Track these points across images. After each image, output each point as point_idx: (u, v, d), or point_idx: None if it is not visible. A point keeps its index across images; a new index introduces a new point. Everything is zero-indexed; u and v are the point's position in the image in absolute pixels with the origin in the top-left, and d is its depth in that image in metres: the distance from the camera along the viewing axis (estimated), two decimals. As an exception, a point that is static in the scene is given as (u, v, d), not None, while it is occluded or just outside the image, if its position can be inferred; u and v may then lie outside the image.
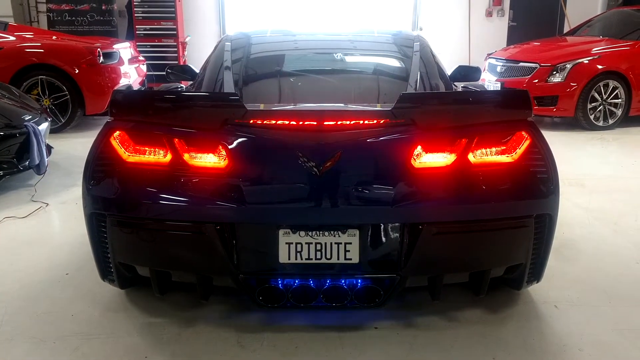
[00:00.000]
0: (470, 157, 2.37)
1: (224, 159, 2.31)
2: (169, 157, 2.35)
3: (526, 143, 2.43)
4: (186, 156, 2.33)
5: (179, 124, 2.36)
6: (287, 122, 2.30)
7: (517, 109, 2.49)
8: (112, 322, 2.79)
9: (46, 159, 5.01)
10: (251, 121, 2.32)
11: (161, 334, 2.69)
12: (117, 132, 2.41)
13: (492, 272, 2.55)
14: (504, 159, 2.42)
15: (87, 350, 2.55)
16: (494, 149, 2.40)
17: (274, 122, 2.31)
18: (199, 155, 2.34)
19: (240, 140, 2.31)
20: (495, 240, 2.45)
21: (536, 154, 2.44)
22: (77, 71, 7.10)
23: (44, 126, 5.14)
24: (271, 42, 3.74)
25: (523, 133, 2.44)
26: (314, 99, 3.01)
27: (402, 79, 3.19)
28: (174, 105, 2.40)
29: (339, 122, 2.29)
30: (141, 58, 8.91)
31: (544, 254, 2.57)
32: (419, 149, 2.33)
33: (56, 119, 7.13)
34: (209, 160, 2.33)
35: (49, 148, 5.37)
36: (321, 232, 2.36)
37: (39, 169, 4.94)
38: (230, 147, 2.30)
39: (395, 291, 2.45)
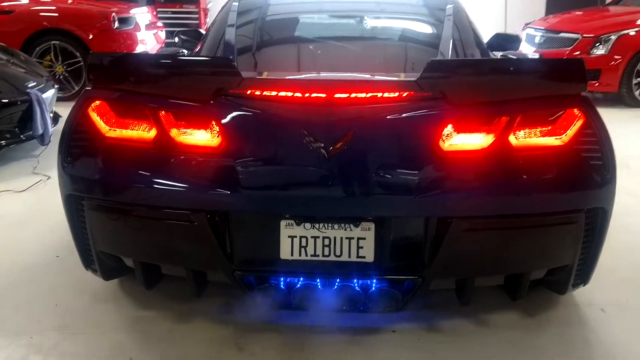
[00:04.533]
0: (512, 138, 1.97)
1: (217, 137, 1.95)
2: (153, 132, 2.00)
3: (579, 123, 2.02)
4: (173, 132, 1.99)
5: (166, 94, 2.01)
6: (290, 94, 1.93)
7: (568, 81, 2.07)
8: (100, 314, 2.50)
9: (51, 129, 4.72)
10: (248, 92, 1.95)
11: (152, 331, 2.39)
12: (96, 102, 2.07)
13: (532, 274, 2.17)
14: (552, 141, 2.01)
15: (66, 347, 2.27)
16: (539, 130, 2.00)
17: (274, 93, 1.94)
18: (188, 131, 1.99)
19: (235, 114, 1.95)
20: (538, 238, 2.06)
21: (590, 136, 2.03)
22: (90, 37, 6.81)
23: (49, 94, 4.86)
24: (284, 4, 3.33)
25: (575, 111, 2.03)
26: (329, 68, 2.61)
27: (431, 46, 2.77)
28: (160, 72, 2.04)
29: (352, 95, 1.90)
30: (160, 24, 8.57)
31: (594, 255, 2.18)
32: (449, 128, 1.94)
33: (70, 86, 6.86)
34: (199, 137, 1.98)
35: (56, 117, 5.08)
36: (330, 225, 2.00)
37: (43, 139, 4.67)
38: (223, 122, 1.94)
39: (417, 295, 2.09)
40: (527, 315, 2.48)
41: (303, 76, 2.12)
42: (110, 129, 2.05)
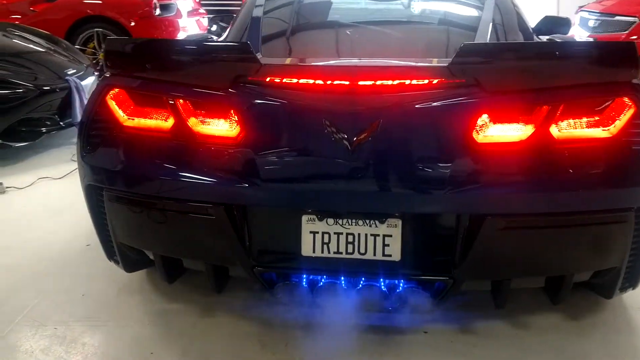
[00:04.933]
0: (553, 130, 1.80)
1: (235, 126, 1.86)
2: (170, 122, 1.92)
3: (629, 112, 1.83)
4: (190, 121, 1.90)
5: (182, 82, 1.92)
6: (311, 82, 1.81)
7: (618, 67, 1.88)
8: (125, 306, 2.47)
9: (89, 116, 4.73)
10: (267, 79, 1.84)
11: (175, 324, 2.34)
12: (115, 90, 2.00)
13: (575, 277, 2.00)
14: (599, 133, 1.84)
15: (89, 339, 2.24)
16: (585, 120, 1.82)
17: (294, 81, 1.82)
18: (205, 120, 1.90)
19: (253, 103, 1.85)
20: (582, 239, 1.89)
21: (642, 127, 1.84)
22: (132, 24, 6.83)
23: (88, 81, 4.88)
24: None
25: (625, 99, 1.84)
26: (360, 53, 2.46)
27: (470, 30, 2.59)
28: (176, 59, 1.95)
29: (377, 83, 1.77)
30: (202, 11, 8.55)
31: (644, 257, 1.98)
32: (483, 118, 1.79)
33: (112, 73, 6.90)
34: (217, 127, 1.89)
35: (95, 104, 5.09)
36: (354, 221, 1.89)
37: (82, 126, 4.68)
38: (241, 111, 1.84)
39: (447, 297, 1.95)
40: (570, 318, 2.32)
41: (325, 62, 1.99)
42: (128, 118, 1.98)
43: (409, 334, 2.25)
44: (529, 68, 1.82)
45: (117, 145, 1.99)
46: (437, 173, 1.79)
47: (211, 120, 1.89)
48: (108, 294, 2.55)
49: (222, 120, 1.88)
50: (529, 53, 1.84)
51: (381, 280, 1.97)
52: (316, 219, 1.89)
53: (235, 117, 1.85)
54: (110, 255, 2.28)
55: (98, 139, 2.03)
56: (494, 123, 1.80)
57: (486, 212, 1.80)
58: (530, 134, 1.79)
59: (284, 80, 1.82)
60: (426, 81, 1.78)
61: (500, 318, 2.34)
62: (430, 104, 1.79)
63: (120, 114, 1.99)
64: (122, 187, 1.99)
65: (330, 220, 1.89)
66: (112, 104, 2.00)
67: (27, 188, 3.88)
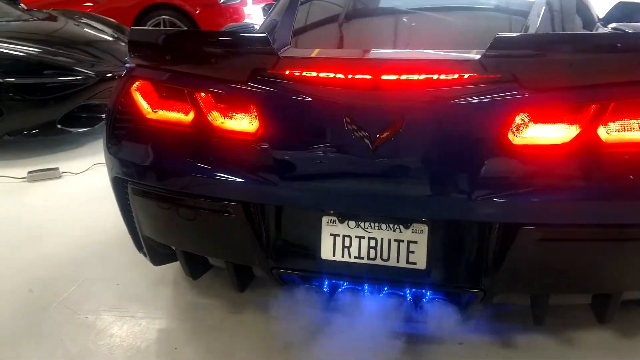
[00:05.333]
0: (601, 132, 1.60)
1: (254, 122, 1.77)
2: (191, 116, 1.86)
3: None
4: (210, 115, 1.83)
5: (203, 74, 1.85)
6: (330, 76, 1.69)
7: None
8: (156, 298, 2.47)
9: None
10: (286, 73, 1.73)
11: (202, 320, 2.31)
12: (139, 82, 1.96)
13: (624, 294, 1.79)
14: (655, 136, 1.62)
15: (115, 330, 2.25)
16: (638, 122, 1.61)
17: (314, 74, 1.71)
18: (225, 115, 1.82)
19: (272, 98, 1.75)
20: (631, 254, 1.68)
21: None
22: (197, 11, 6.89)
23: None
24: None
25: None
26: (398, 44, 2.30)
27: (521, 15, 2.36)
28: (197, 50, 1.88)
29: (402, 77, 1.62)
30: (268, -3, 8.52)
31: None
32: (521, 117, 1.62)
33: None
34: (236, 122, 1.81)
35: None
36: (377, 224, 1.77)
37: (141, 113, 4.76)
38: (260, 106, 1.75)
39: (477, 310, 1.80)
40: (622, 336, 2.12)
41: (345, 55, 1.85)
42: (151, 111, 1.94)
43: (442, 344, 2.11)
44: (575, 62, 1.62)
45: (140, 138, 1.96)
46: (466, 177, 1.64)
47: (230, 115, 1.81)
48: (141, 285, 2.56)
49: (241, 115, 1.80)
50: (574, 44, 1.63)
51: (406, 289, 1.84)
52: (337, 220, 1.78)
53: (254, 112, 1.77)
54: (138, 247, 2.27)
55: (122, 130, 2.01)
56: (532, 123, 1.62)
57: (521, 221, 1.63)
58: (574, 136, 1.60)
59: (303, 74, 1.71)
60: (455, 76, 1.62)
61: (543, 331, 2.16)
62: (459, 102, 1.63)
63: (144, 106, 1.95)
64: (144, 181, 1.96)
65: (352, 223, 1.78)
66: (137, 96, 1.96)
67: (82, 174, 3.97)
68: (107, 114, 2.04)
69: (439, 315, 1.87)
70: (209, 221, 1.89)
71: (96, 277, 2.64)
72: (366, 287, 1.89)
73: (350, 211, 1.76)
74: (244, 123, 1.79)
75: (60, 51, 4.46)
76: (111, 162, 2.05)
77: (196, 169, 1.84)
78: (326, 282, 1.92)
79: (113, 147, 2.03)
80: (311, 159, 1.72)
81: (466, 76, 1.62)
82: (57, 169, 3.93)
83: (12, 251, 2.88)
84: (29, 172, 3.88)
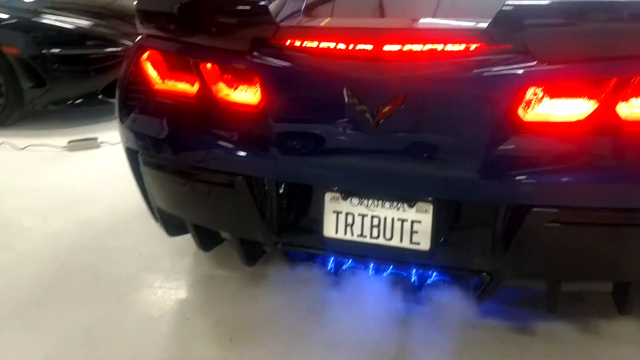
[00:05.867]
0: (621, 108, 1.47)
1: (256, 94, 1.73)
2: (196, 87, 1.83)
3: None
4: (214, 87, 1.79)
5: (207, 44, 1.81)
6: (331, 46, 1.61)
7: None
8: (174, 269, 2.50)
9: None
10: (286, 43, 1.67)
11: (217, 291, 2.32)
12: (148, 53, 1.94)
13: (644, 284, 1.67)
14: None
15: (133, 299, 2.29)
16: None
17: (315, 44, 1.63)
18: (228, 86, 1.78)
19: (273, 68, 1.69)
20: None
21: None
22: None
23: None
24: None
25: None
26: (394, 14, 2.13)
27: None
28: (201, 19, 1.83)
29: (404, 48, 1.53)
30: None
31: None
32: (532, 92, 1.50)
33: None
34: (239, 93, 1.77)
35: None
36: (380, 203, 1.70)
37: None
38: (263, 78, 1.70)
39: (485, 295, 1.72)
40: (651, 329, 1.99)
41: (346, 23, 1.75)
42: (159, 81, 1.92)
43: (456, 327, 2.02)
44: (593, 32, 1.48)
45: (149, 109, 1.95)
46: (472, 155, 1.54)
47: (233, 86, 1.77)
48: (162, 256, 2.59)
49: (243, 87, 1.76)
50: (592, 12, 1.49)
51: (410, 270, 1.77)
52: (340, 197, 1.73)
53: (257, 84, 1.72)
54: (154, 218, 2.28)
55: (133, 101, 2.00)
56: (544, 99, 1.50)
57: (529, 203, 1.53)
58: (590, 112, 1.48)
59: (304, 44, 1.65)
60: (462, 47, 1.51)
61: (567, 320, 2.06)
62: (465, 75, 1.52)
63: (153, 76, 1.94)
64: (153, 152, 1.95)
65: (355, 200, 1.72)
66: (147, 66, 1.95)
67: (119, 144, 4.04)
68: (118, 85, 2.04)
69: (446, 298, 1.80)
70: (213, 194, 1.88)
71: (120, 246, 2.69)
72: (371, 267, 1.83)
73: (352, 188, 1.70)
74: (246, 95, 1.75)
75: (107, 23, 4.52)
76: (123, 132, 2.06)
77: (200, 142, 1.82)
78: (331, 260, 1.88)
79: (124, 117, 2.03)
80: (312, 133, 1.67)
81: (473, 47, 1.51)
82: (95, 139, 4.02)
83: (45, 217, 2.97)
84: (69, 142, 3.98)
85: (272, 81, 1.69)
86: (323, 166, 1.68)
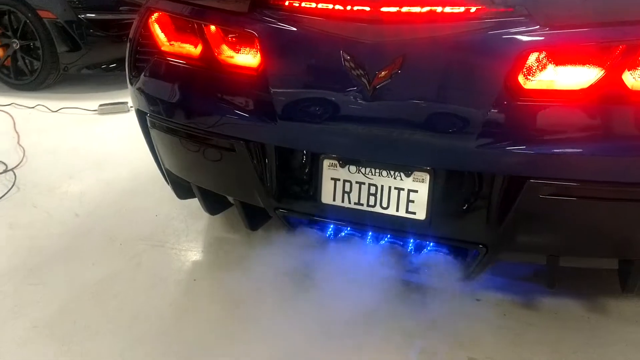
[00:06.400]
0: (627, 77, 1.40)
1: (257, 56, 1.71)
2: (199, 49, 1.83)
3: None
4: (218, 49, 1.79)
5: (210, 6, 1.79)
6: (328, 7, 1.58)
7: None
8: (187, 231, 2.55)
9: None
10: (285, 3, 1.64)
11: (227, 254, 2.36)
12: (156, 14, 1.95)
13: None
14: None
15: (144, 259, 2.34)
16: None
17: (312, 4, 1.60)
18: (230, 49, 1.77)
19: (272, 30, 1.67)
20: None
21: None
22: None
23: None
24: None
25: None
26: None
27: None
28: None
29: (402, 9, 1.49)
30: None
31: None
32: (533, 58, 1.44)
33: None
34: (240, 56, 1.76)
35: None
36: (377, 171, 1.68)
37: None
38: (262, 39, 1.68)
39: (481, 268, 1.69)
40: (663, 310, 1.92)
41: None
42: (166, 43, 1.93)
43: (457, 298, 2.00)
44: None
45: (156, 71, 1.96)
46: (470, 123, 1.50)
47: (234, 48, 1.76)
48: (177, 218, 2.64)
49: (244, 49, 1.74)
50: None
51: (406, 239, 1.75)
52: (338, 165, 1.71)
53: (256, 46, 1.70)
54: (166, 181, 2.32)
55: (141, 63, 2.02)
56: (546, 65, 1.44)
57: (527, 174, 1.48)
58: (593, 82, 1.41)
59: (302, 4, 1.61)
60: (461, 9, 1.45)
61: (574, 297, 2.02)
62: (464, 39, 1.47)
63: (160, 38, 1.94)
64: (159, 114, 1.97)
65: (352, 168, 1.70)
66: (155, 28, 1.95)
67: (148, 109, 4.10)
68: (128, 47, 2.06)
69: (448, 269, 1.78)
70: (214, 157, 1.89)
71: (138, 207, 2.75)
72: (369, 235, 1.81)
73: (350, 155, 1.68)
74: (247, 58, 1.74)
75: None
76: (132, 94, 2.08)
77: (203, 105, 1.83)
78: (330, 227, 1.87)
79: (133, 79, 2.05)
80: (310, 98, 1.65)
81: (473, 9, 1.45)
82: (125, 103, 4.09)
83: (71, 177, 3.06)
84: (100, 105, 4.07)
85: (271, 43, 1.67)
86: (320, 132, 1.66)
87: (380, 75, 1.52)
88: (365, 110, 1.57)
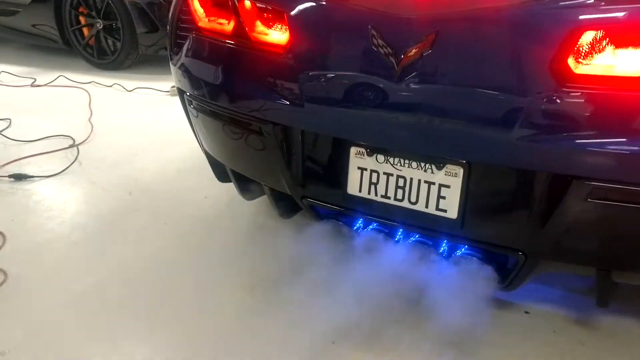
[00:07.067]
0: None
1: (285, 34, 1.60)
2: (231, 25, 1.74)
3: None
4: (249, 25, 1.69)
5: (243, -19, 1.69)
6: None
7: None
8: (232, 214, 2.51)
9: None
10: (313, -24, 1.51)
11: (264, 241, 2.25)
12: (196, -11, 1.88)
13: None
14: None
15: (186, 239, 2.31)
16: None
17: (339, -22, 1.46)
18: (261, 24, 1.67)
19: (302, 6, 1.54)
20: None
21: None
22: None
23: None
24: None
25: None
26: None
27: None
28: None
29: (433, -18, 1.31)
30: None
31: None
32: (587, 37, 1.22)
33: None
34: (270, 34, 1.65)
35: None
36: (407, 162, 1.52)
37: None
38: (291, 16, 1.56)
39: (519, 279, 1.49)
40: None
41: None
42: (203, 19, 1.86)
43: (506, 309, 1.83)
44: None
45: (192, 48, 1.90)
46: (510, 112, 1.30)
47: (265, 24, 1.66)
48: (225, 201, 2.60)
49: (275, 26, 1.63)
50: None
51: (436, 239, 1.58)
52: (365, 153, 1.57)
53: (285, 22, 1.59)
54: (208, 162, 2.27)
55: (179, 39, 1.96)
56: (602, 46, 1.22)
57: (576, 173, 1.27)
58: (660, 67, 1.17)
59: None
60: (503, -19, 1.26)
61: (636, 313, 1.76)
62: (507, 13, 1.27)
63: (198, 14, 1.87)
64: (194, 92, 1.91)
65: (381, 158, 1.55)
66: (194, 3, 1.88)
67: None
68: (169, 23, 2.01)
69: (490, 275, 1.59)
70: (243, 140, 1.80)
71: (190, 188, 2.73)
72: (399, 232, 1.66)
73: (378, 143, 1.53)
74: (277, 35, 1.62)
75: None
76: (173, 72, 2.04)
77: (230, 84, 1.75)
78: (360, 221, 1.73)
79: (173, 56, 2.00)
80: (337, 79, 1.51)
81: (517, -19, 1.25)
82: (173, 87, 4.12)
83: (133, 156, 3.10)
84: (172, 87, 4.11)
85: (299, 19, 1.55)
86: (345, 116, 1.52)
87: (409, 55, 1.36)
88: (393, 93, 1.41)
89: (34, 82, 4.42)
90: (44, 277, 2.01)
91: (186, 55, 1.91)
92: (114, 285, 1.98)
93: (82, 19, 4.78)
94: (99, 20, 4.63)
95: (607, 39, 1.21)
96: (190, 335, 1.73)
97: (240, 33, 1.71)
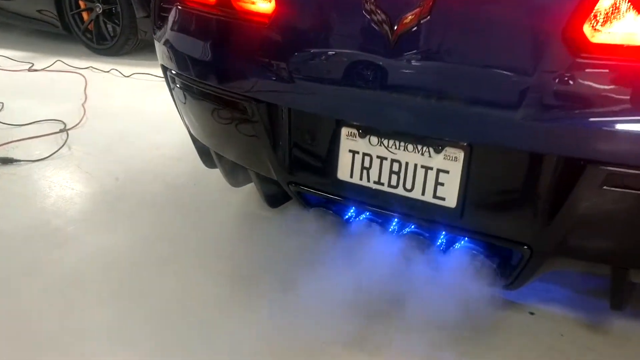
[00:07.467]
0: None
1: (271, 2, 1.45)
2: None
3: None
4: (232, -7, 1.55)
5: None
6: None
7: None
8: (222, 202, 2.39)
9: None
10: None
11: (255, 230, 2.13)
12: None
13: None
14: None
15: (172, 226, 2.19)
16: None
17: None
18: (245, -8, 1.53)
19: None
20: None
21: None
22: None
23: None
24: None
25: None
26: None
27: None
28: None
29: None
30: None
31: None
32: (604, 3, 1.07)
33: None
34: (256, 2, 1.50)
35: None
36: (402, 144, 1.37)
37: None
38: (276, -18, 1.42)
39: (524, 278, 1.34)
40: None
41: None
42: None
43: (510, 310, 1.67)
44: None
45: (175, 21, 1.76)
46: (518, 87, 1.15)
47: (250, -8, 1.51)
48: (215, 188, 2.47)
49: (259, -7, 1.49)
50: None
51: (432, 230, 1.43)
52: (357, 134, 1.42)
53: (272, -10, 1.44)
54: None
55: (163, 12, 1.83)
56: (623, 11, 1.06)
57: (588, 157, 1.12)
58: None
59: None
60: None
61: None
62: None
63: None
64: (175, 69, 1.78)
65: (374, 139, 1.41)
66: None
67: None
68: (153, -3, 1.88)
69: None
70: (225, 119, 1.66)
71: (179, 174, 2.62)
72: (385, 221, 1.52)
73: (370, 123, 1.39)
74: (261, 3, 1.48)
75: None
76: (157, 48, 1.91)
77: (213, 58, 1.61)
78: (351, 209, 1.59)
79: (157, 31, 1.88)
80: (326, 51, 1.37)
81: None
82: None
83: (123, 141, 2.98)
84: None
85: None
86: (335, 92, 1.38)
87: (404, 22, 1.21)
88: (387, 66, 1.27)
89: (31, 66, 4.31)
90: (22, 264, 1.89)
91: (170, 29, 1.78)
92: (93, 273, 1.86)
93: (81, 3, 4.67)
94: (98, 4, 4.51)
95: (629, 3, 1.06)
96: (168, 325, 1.61)
97: (225, 2, 1.57)
